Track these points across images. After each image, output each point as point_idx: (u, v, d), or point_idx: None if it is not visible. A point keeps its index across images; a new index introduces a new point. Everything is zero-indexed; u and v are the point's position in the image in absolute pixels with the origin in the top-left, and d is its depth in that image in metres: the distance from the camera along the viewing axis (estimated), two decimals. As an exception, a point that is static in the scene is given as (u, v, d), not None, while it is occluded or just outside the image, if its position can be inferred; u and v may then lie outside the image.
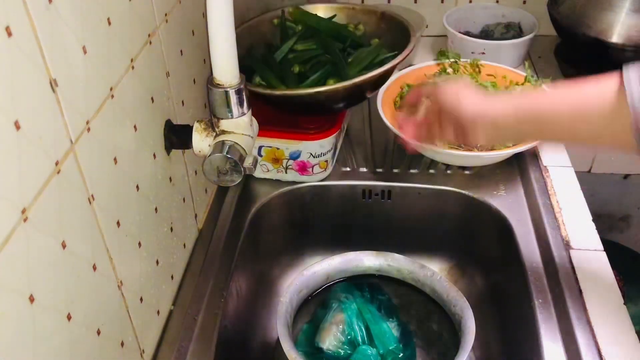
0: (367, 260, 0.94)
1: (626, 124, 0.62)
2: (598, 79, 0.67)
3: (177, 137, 0.80)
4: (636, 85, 0.61)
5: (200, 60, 0.93)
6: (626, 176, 1.29)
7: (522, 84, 1.09)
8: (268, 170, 1.04)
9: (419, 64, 1.18)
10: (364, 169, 1.07)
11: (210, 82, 0.74)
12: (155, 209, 0.77)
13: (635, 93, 0.61)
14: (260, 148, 1.00)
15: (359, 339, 0.83)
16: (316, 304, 0.93)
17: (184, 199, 0.88)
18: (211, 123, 0.78)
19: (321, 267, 0.91)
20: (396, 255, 0.93)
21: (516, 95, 0.75)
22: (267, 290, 1.07)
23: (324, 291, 0.93)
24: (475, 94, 0.74)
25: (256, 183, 1.05)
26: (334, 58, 1.02)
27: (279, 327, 0.80)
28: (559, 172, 1.03)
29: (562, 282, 0.84)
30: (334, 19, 1.12)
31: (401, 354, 0.83)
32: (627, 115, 0.62)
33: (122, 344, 0.68)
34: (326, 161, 1.02)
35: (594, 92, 0.66)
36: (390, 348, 0.79)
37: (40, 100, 0.50)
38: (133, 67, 0.68)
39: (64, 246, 0.54)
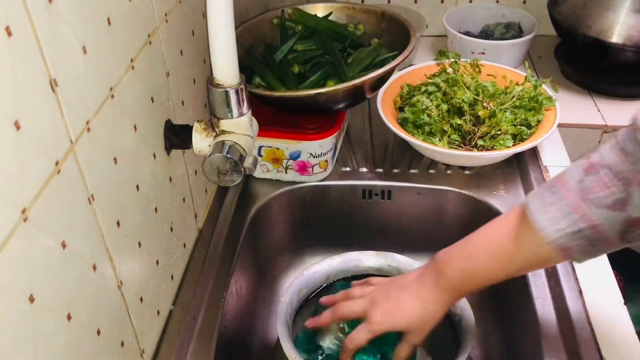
0: (367, 260, 0.94)
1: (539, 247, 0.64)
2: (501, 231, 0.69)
3: (177, 137, 0.80)
4: (541, 214, 0.63)
5: (200, 60, 0.93)
6: (626, 176, 1.29)
7: (522, 84, 1.09)
8: (268, 170, 1.04)
9: (419, 64, 1.18)
10: (364, 169, 1.07)
11: (210, 82, 0.74)
12: (155, 209, 0.77)
13: (542, 221, 0.62)
14: (260, 148, 1.00)
15: None
16: (317, 304, 0.93)
17: (184, 199, 0.88)
18: (211, 123, 0.78)
19: (321, 267, 0.91)
20: (396, 255, 0.93)
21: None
22: (267, 290, 1.07)
23: (324, 291, 0.93)
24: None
25: (256, 183, 1.05)
26: (333, 59, 1.02)
27: (279, 327, 0.80)
28: (559, 172, 1.03)
29: (562, 282, 0.84)
30: (332, 19, 1.12)
31: None
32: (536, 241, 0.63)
33: (122, 344, 0.68)
34: (326, 161, 1.02)
35: (494, 233, 0.70)
36: (391, 347, 0.79)
37: (40, 100, 0.50)
38: (133, 67, 0.68)
39: (64, 246, 0.54)
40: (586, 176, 0.60)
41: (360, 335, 0.75)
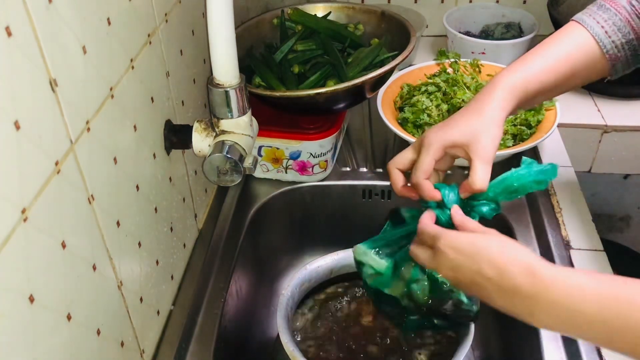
0: None
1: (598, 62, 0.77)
2: (560, 39, 0.79)
3: (177, 137, 0.80)
4: (602, 33, 0.76)
5: (200, 60, 0.93)
6: (626, 176, 1.29)
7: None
8: (268, 170, 1.04)
9: (419, 64, 1.18)
10: (364, 169, 1.07)
11: (210, 82, 0.74)
12: (155, 209, 0.77)
13: (606, 41, 0.76)
14: (260, 148, 1.00)
15: None
16: (318, 300, 0.94)
17: (184, 199, 0.88)
18: (211, 123, 0.78)
19: (325, 261, 0.91)
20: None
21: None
22: (267, 290, 1.07)
23: (326, 286, 0.93)
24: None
25: (256, 183, 1.05)
26: (333, 59, 1.02)
27: (279, 320, 0.80)
28: (559, 172, 1.03)
29: (562, 282, 0.84)
30: (332, 19, 1.12)
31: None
32: (599, 57, 0.76)
33: (122, 344, 0.68)
34: (326, 161, 1.02)
35: (570, 48, 0.77)
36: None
37: (40, 100, 0.50)
38: (133, 67, 0.68)
39: (64, 246, 0.54)
40: None
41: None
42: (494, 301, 0.62)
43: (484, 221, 0.70)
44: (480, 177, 0.70)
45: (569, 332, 0.58)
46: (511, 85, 0.74)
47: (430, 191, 0.72)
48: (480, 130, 0.71)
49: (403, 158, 0.76)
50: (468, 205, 0.72)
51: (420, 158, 0.73)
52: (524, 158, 0.71)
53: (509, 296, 0.60)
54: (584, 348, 0.76)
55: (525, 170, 0.69)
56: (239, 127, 0.77)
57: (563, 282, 0.56)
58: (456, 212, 0.70)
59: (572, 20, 0.79)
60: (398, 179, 0.76)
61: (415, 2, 1.40)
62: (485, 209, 0.71)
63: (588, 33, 0.76)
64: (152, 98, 0.74)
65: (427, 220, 0.70)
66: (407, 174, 0.77)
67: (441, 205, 0.72)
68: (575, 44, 0.77)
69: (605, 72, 0.79)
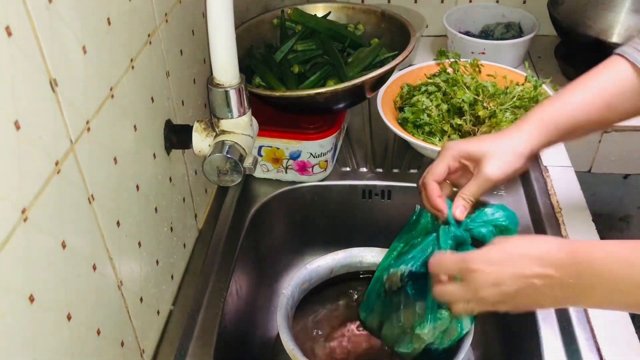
0: (371, 257, 0.94)
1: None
2: (598, 74, 0.75)
3: (177, 137, 0.80)
4: (638, 54, 0.72)
5: (200, 60, 0.93)
6: (626, 176, 1.29)
7: (522, 84, 1.09)
8: (268, 170, 1.04)
9: (419, 64, 1.18)
10: (364, 169, 1.07)
11: (210, 82, 0.74)
12: (155, 209, 0.77)
13: None
14: (260, 148, 1.00)
15: None
16: (319, 300, 0.94)
17: (184, 199, 0.88)
18: (211, 123, 0.78)
19: (325, 261, 0.91)
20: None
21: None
22: (267, 290, 1.07)
23: (326, 286, 0.93)
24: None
25: (256, 183, 1.05)
26: (333, 59, 1.02)
27: (279, 319, 0.80)
28: (559, 172, 1.03)
29: (562, 282, 0.84)
30: (332, 19, 1.12)
31: None
32: (636, 80, 0.73)
33: (122, 344, 0.68)
34: (326, 161, 1.02)
35: (606, 81, 0.74)
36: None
37: (40, 100, 0.50)
38: (133, 67, 0.68)
39: (64, 246, 0.54)
40: None
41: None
42: (544, 298, 0.61)
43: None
44: (471, 191, 0.71)
45: (625, 301, 0.59)
46: (542, 118, 0.73)
47: (434, 193, 0.72)
48: (497, 152, 0.71)
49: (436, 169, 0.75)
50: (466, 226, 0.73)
51: (435, 162, 0.75)
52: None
53: (558, 283, 0.59)
54: (584, 348, 0.76)
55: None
56: (239, 127, 0.77)
57: (600, 249, 0.59)
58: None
59: (614, 53, 0.76)
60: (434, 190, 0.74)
61: (415, 2, 1.40)
62: (484, 230, 0.71)
63: (628, 62, 0.73)
64: (152, 98, 0.74)
65: (439, 255, 0.69)
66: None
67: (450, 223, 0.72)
68: (614, 76, 0.74)
69: None
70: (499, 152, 0.71)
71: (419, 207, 0.78)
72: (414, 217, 0.79)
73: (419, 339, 0.73)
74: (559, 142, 0.77)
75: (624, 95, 0.73)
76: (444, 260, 0.67)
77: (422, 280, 0.72)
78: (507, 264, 0.61)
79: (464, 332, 0.73)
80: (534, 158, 0.74)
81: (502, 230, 0.71)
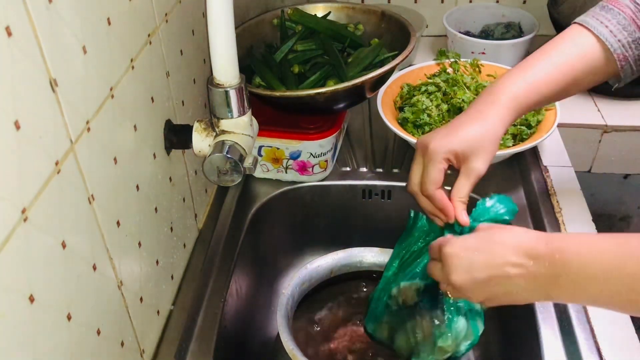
0: (371, 257, 0.94)
1: (605, 65, 0.75)
2: (560, 43, 0.76)
3: (177, 137, 0.80)
4: (607, 33, 0.74)
5: (200, 60, 0.93)
6: (626, 176, 1.29)
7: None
8: (268, 170, 1.04)
9: (419, 64, 1.18)
10: (364, 169, 1.07)
11: (210, 82, 0.74)
12: (155, 209, 0.77)
13: (611, 40, 0.74)
14: (260, 148, 1.00)
15: None
16: (319, 300, 0.94)
17: (184, 199, 0.88)
18: (211, 123, 0.78)
19: (325, 261, 0.92)
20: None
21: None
22: (267, 291, 1.07)
23: (326, 286, 0.93)
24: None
25: (256, 183, 1.05)
26: (332, 59, 1.02)
27: (279, 319, 0.80)
28: (559, 172, 1.03)
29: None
30: (332, 19, 1.12)
31: None
32: (605, 59, 0.74)
33: (122, 344, 0.68)
34: (326, 161, 1.02)
35: (573, 55, 0.75)
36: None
37: (40, 100, 0.50)
38: (133, 67, 0.68)
39: (64, 246, 0.54)
40: None
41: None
42: (517, 290, 0.61)
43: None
44: (465, 190, 0.71)
45: (596, 295, 0.59)
46: (512, 97, 0.73)
47: (444, 202, 0.72)
48: (481, 146, 0.71)
49: (417, 176, 0.74)
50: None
51: (428, 170, 0.72)
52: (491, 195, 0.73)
53: (532, 273, 0.59)
54: (584, 348, 0.76)
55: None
56: (239, 127, 0.77)
57: (575, 240, 0.60)
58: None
59: (574, 23, 0.77)
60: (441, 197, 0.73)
61: (415, 2, 1.40)
62: None
63: (592, 34, 0.74)
64: (152, 98, 0.74)
65: (437, 240, 0.70)
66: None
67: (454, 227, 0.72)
68: (579, 49, 0.75)
69: (613, 74, 0.77)
70: (483, 144, 0.71)
71: (412, 211, 0.78)
72: (411, 222, 0.79)
73: (441, 350, 0.72)
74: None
75: (590, 66, 0.74)
76: (433, 243, 0.69)
77: (437, 291, 0.72)
78: (482, 251, 0.62)
79: (479, 334, 0.73)
80: None
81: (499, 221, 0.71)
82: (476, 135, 0.71)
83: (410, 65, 1.19)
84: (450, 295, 0.68)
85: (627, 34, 0.74)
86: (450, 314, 0.70)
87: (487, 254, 0.61)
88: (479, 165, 0.70)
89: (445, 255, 0.64)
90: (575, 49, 0.75)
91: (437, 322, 0.71)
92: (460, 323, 0.70)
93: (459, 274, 0.63)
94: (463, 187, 0.71)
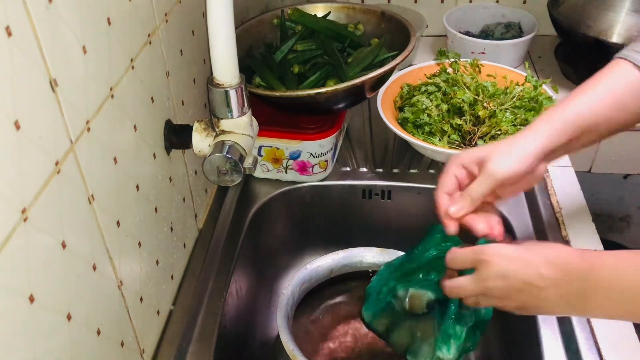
0: (371, 257, 0.94)
1: None
2: (604, 76, 0.73)
3: (177, 137, 0.80)
4: None
5: (200, 60, 0.93)
6: (626, 176, 1.29)
7: (522, 84, 1.09)
8: (268, 170, 1.04)
9: (419, 64, 1.18)
10: (364, 169, 1.07)
11: (210, 82, 0.74)
12: (155, 209, 0.77)
13: None
14: (260, 148, 1.00)
15: None
16: (319, 300, 0.94)
17: (184, 199, 0.88)
18: (211, 123, 0.78)
19: (325, 261, 0.92)
20: (399, 252, 0.93)
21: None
22: (267, 291, 1.07)
23: (326, 286, 0.93)
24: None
25: (256, 183, 1.05)
26: (332, 59, 1.02)
27: (279, 319, 0.80)
28: (559, 172, 1.03)
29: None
30: (332, 19, 1.12)
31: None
32: None
33: (122, 344, 0.68)
34: (326, 161, 1.02)
35: (615, 83, 0.72)
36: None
37: (40, 100, 0.50)
38: (133, 67, 0.68)
39: (64, 246, 0.54)
40: None
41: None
42: (549, 301, 0.61)
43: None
44: (477, 190, 0.69)
45: (623, 309, 0.60)
46: (549, 118, 0.71)
47: (442, 207, 0.71)
48: (501, 151, 0.69)
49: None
50: None
51: (442, 174, 0.73)
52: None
53: (564, 285, 0.60)
54: (584, 348, 0.76)
55: None
56: (239, 127, 0.77)
57: (604, 256, 0.59)
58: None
59: (616, 57, 0.75)
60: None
61: (415, 2, 1.40)
62: None
63: (631, 64, 0.72)
64: (152, 98, 0.74)
65: (454, 249, 0.68)
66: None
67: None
68: (620, 77, 0.72)
69: None
70: (504, 151, 0.69)
71: (433, 225, 0.78)
72: (429, 233, 0.78)
73: (439, 359, 0.72)
74: (572, 146, 0.73)
75: (633, 95, 0.72)
76: (458, 253, 0.67)
77: (446, 306, 0.72)
78: (518, 259, 0.62)
79: (477, 342, 0.73)
80: (548, 161, 0.71)
81: None
82: (502, 144, 0.70)
83: (410, 65, 1.19)
84: (478, 304, 0.68)
85: None
86: (454, 330, 0.71)
87: (522, 262, 0.61)
88: (493, 166, 0.68)
89: (482, 261, 0.64)
90: (616, 77, 0.73)
91: (440, 334, 0.71)
92: (463, 336, 0.71)
93: (495, 280, 0.63)
94: (477, 186, 0.69)
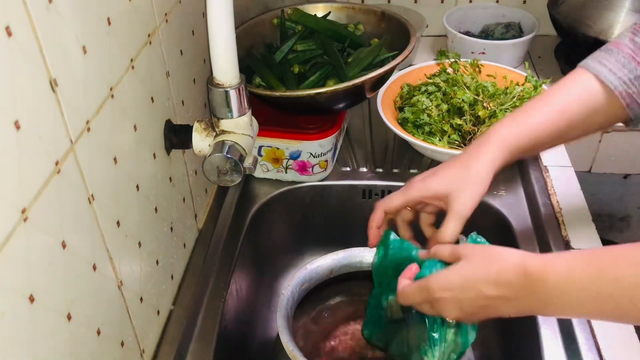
0: (371, 257, 0.94)
1: (608, 105, 0.72)
2: (563, 86, 0.76)
3: (177, 137, 0.80)
4: (606, 71, 0.72)
5: (200, 60, 0.93)
6: (626, 176, 1.29)
7: (523, 84, 1.09)
8: (268, 170, 1.04)
9: (419, 64, 1.18)
10: (364, 169, 1.07)
11: (210, 82, 0.74)
12: (155, 209, 0.77)
13: (611, 78, 0.72)
14: (260, 148, 1.00)
15: None
16: (319, 300, 0.94)
17: (184, 199, 0.88)
18: (211, 123, 0.78)
19: (325, 261, 0.91)
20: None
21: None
22: (267, 290, 1.07)
23: (326, 286, 0.93)
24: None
25: (256, 183, 1.05)
26: (332, 59, 1.02)
27: (279, 319, 0.80)
28: (559, 172, 1.03)
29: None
30: (332, 19, 1.12)
31: None
32: (607, 99, 0.72)
33: (122, 344, 0.68)
34: (326, 161, 1.02)
35: (570, 98, 0.74)
36: None
37: (40, 100, 0.50)
38: (133, 67, 0.68)
39: (64, 246, 0.54)
40: (635, 36, 0.72)
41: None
42: (506, 313, 0.63)
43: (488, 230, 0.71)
44: (450, 233, 0.71)
45: (583, 314, 0.61)
46: (502, 139, 0.72)
47: (373, 222, 0.77)
48: (461, 185, 0.71)
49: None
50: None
51: (394, 193, 0.76)
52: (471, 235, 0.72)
53: (514, 303, 0.61)
54: (584, 348, 0.76)
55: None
56: (239, 127, 0.77)
57: (552, 269, 0.59)
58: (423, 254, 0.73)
59: (578, 66, 0.76)
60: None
61: (415, 2, 1.40)
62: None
63: (591, 75, 0.73)
64: (152, 98, 0.74)
65: (401, 288, 0.70)
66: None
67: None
68: (578, 90, 0.73)
69: (621, 115, 0.74)
70: (464, 185, 0.71)
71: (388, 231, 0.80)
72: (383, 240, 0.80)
73: None
74: (527, 155, 0.78)
75: (588, 110, 0.73)
76: (407, 292, 0.69)
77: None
78: (466, 289, 0.63)
79: (469, 344, 0.73)
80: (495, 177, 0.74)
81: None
82: (455, 175, 0.72)
83: (410, 65, 1.19)
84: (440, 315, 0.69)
85: (627, 71, 0.71)
86: (435, 331, 0.71)
87: (471, 292, 0.63)
88: (459, 207, 0.70)
89: (433, 300, 0.65)
90: (573, 90, 0.74)
91: (422, 338, 0.72)
92: (448, 337, 0.71)
93: (450, 311, 0.65)
94: (447, 229, 0.71)
